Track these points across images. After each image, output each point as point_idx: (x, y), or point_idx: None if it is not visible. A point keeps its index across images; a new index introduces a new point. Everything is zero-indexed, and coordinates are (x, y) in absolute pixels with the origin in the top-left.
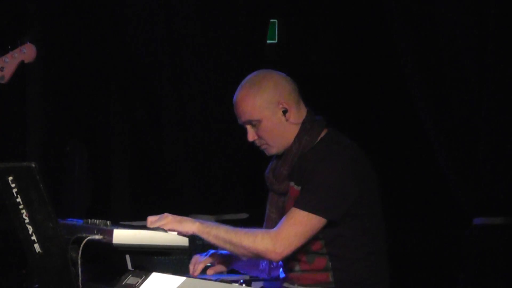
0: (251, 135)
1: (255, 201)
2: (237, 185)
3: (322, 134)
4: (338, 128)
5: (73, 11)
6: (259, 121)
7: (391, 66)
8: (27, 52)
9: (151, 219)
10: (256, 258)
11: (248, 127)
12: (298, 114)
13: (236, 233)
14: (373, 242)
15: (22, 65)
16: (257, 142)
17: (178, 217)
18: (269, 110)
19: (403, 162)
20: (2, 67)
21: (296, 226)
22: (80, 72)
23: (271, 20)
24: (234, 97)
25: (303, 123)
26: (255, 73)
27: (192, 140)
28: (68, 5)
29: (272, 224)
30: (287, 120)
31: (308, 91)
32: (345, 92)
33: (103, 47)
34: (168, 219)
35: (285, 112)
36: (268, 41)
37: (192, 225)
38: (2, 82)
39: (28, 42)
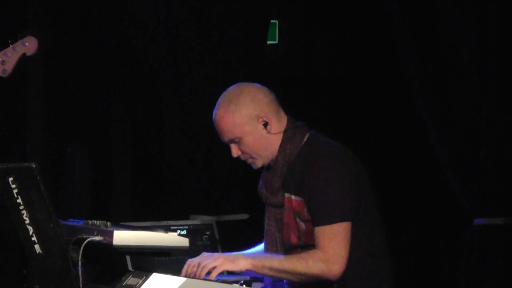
0: (235, 152)
1: (256, 202)
2: (237, 186)
3: (305, 139)
4: (339, 128)
5: (74, 11)
6: (241, 137)
7: (392, 66)
8: (29, 45)
9: (200, 262)
10: (315, 280)
11: (231, 144)
12: (279, 124)
13: (288, 261)
14: (373, 244)
15: (24, 59)
16: (242, 157)
17: (230, 256)
18: (250, 126)
19: (405, 163)
20: (3, 61)
21: (336, 240)
22: (81, 73)
23: (272, 21)
24: (213, 117)
25: (285, 131)
26: (230, 89)
27: (193, 141)
28: (69, 5)
29: (272, 238)
30: (268, 132)
31: (309, 92)
32: (346, 92)
33: (104, 48)
34: (221, 259)
35: (265, 125)
36: (269, 42)
37: (245, 263)
38: (4, 75)
39: (29, 35)
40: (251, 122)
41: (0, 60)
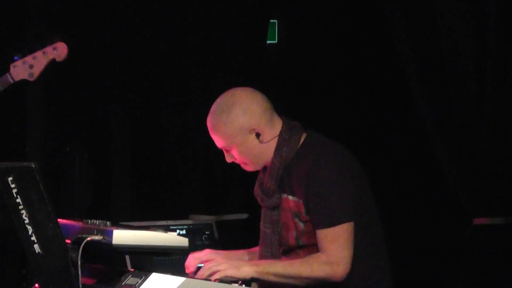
0: (228, 158)
1: (255, 202)
2: (236, 186)
3: (302, 140)
4: (338, 128)
5: (74, 11)
6: (232, 147)
7: (392, 66)
8: (59, 51)
9: (205, 264)
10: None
11: (224, 151)
12: (273, 131)
13: (292, 266)
14: (371, 243)
15: (53, 64)
16: (236, 162)
17: (234, 263)
18: (241, 137)
19: (404, 163)
20: (32, 65)
21: (338, 242)
22: (81, 73)
23: (271, 20)
24: (207, 124)
25: (280, 134)
26: (223, 97)
27: (192, 141)
28: (69, 5)
29: (267, 240)
30: (261, 142)
31: (308, 92)
32: (346, 92)
33: (104, 48)
34: (225, 265)
35: (258, 135)
36: (268, 42)
37: (249, 270)
38: (31, 79)
39: (59, 41)
40: (243, 133)
41: (28, 64)
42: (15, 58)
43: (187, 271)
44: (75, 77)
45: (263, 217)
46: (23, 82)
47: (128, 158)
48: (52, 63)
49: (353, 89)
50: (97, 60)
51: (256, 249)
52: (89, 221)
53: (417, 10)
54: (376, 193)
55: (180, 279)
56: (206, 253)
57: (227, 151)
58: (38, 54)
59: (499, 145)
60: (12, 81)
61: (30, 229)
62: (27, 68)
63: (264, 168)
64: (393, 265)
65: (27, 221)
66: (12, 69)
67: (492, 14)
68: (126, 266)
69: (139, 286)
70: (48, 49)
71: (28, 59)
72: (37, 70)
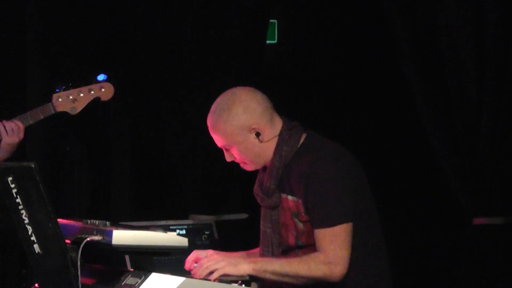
0: (228, 157)
1: (255, 201)
2: (236, 186)
3: (302, 140)
4: (338, 127)
5: (74, 10)
6: (232, 146)
7: (391, 66)
8: (105, 91)
9: (203, 263)
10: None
11: (224, 150)
12: (273, 130)
13: (289, 264)
14: (371, 243)
15: (96, 102)
16: (236, 161)
17: (232, 260)
18: (241, 136)
19: (404, 163)
20: (75, 99)
21: (337, 242)
22: (80, 72)
23: (271, 20)
24: (207, 123)
25: (280, 134)
26: (224, 95)
27: (192, 140)
28: (69, 4)
29: (267, 239)
30: (261, 142)
31: (308, 92)
32: (345, 92)
33: (103, 48)
34: (222, 263)
35: (258, 134)
36: (268, 42)
37: (247, 267)
38: (72, 113)
39: (107, 81)
40: (243, 132)
41: (72, 98)
42: (57, 89)
43: (186, 266)
44: (75, 77)
45: (263, 217)
46: (63, 113)
47: (128, 158)
48: (94, 101)
49: (353, 89)
50: (97, 60)
51: (256, 250)
52: (89, 221)
53: (417, 10)
54: (376, 193)
55: (179, 279)
56: (209, 254)
57: (227, 150)
58: (84, 90)
59: (499, 145)
60: (53, 112)
61: (30, 229)
62: (70, 101)
63: (264, 167)
64: (393, 265)
65: (27, 221)
66: (54, 99)
67: (491, 14)
68: (125, 266)
69: (139, 286)
70: (95, 86)
71: (73, 93)
72: (79, 106)
